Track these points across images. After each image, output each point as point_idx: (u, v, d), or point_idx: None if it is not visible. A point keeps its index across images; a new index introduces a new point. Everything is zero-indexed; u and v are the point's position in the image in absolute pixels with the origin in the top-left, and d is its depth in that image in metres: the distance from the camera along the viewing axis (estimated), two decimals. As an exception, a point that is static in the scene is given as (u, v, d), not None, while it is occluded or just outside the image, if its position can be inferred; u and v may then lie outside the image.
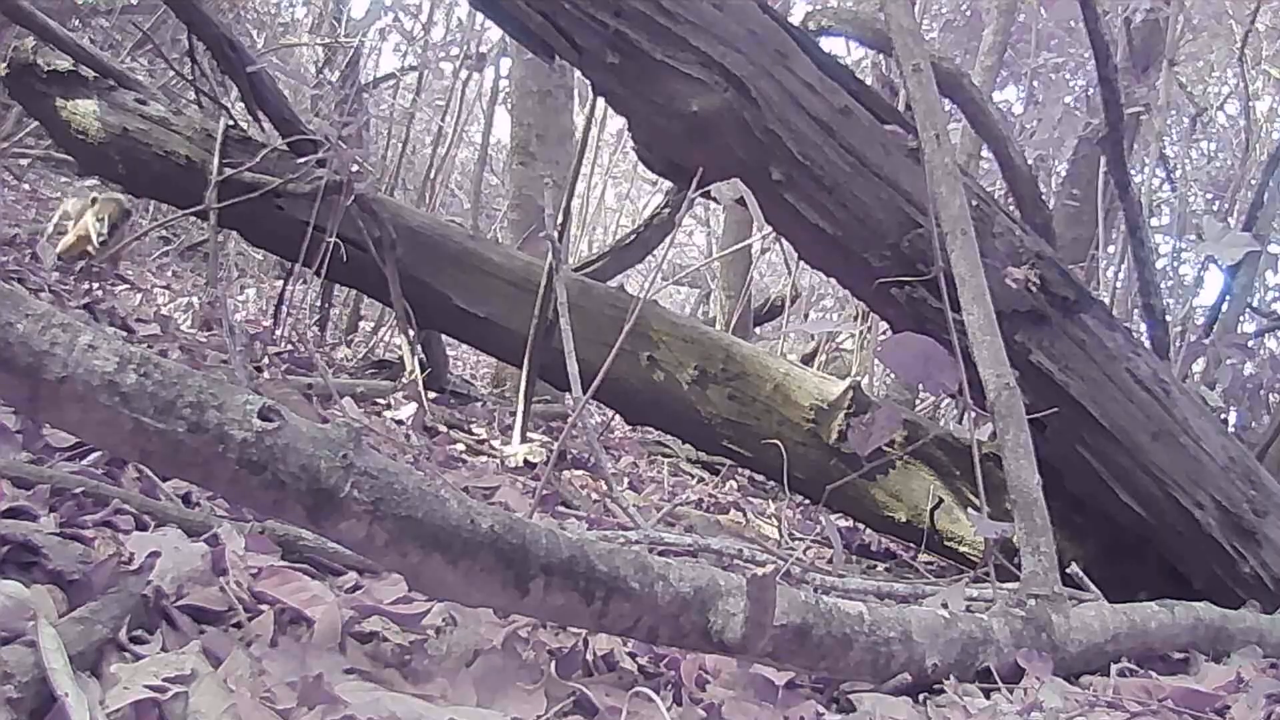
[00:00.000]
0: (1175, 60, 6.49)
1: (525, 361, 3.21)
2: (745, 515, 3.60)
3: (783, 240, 3.26)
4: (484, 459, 3.12)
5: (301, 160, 3.49)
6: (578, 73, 3.62)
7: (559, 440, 2.65)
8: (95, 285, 3.67)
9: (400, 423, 3.17)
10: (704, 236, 12.09)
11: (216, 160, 3.45)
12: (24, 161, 6.12)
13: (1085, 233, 6.53)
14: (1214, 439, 2.74)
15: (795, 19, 4.49)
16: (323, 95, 7.58)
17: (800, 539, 3.19)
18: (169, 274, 5.69)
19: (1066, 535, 2.72)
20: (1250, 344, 4.78)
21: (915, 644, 1.65)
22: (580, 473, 3.30)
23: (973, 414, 2.52)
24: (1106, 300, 4.99)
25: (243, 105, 4.03)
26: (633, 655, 1.59)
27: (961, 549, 3.13)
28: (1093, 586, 2.33)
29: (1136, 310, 5.66)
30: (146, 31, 5.82)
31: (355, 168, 3.49)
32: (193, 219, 4.15)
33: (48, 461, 1.67)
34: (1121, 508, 2.72)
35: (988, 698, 1.67)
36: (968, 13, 8.72)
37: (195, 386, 1.15)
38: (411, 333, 3.52)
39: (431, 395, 3.63)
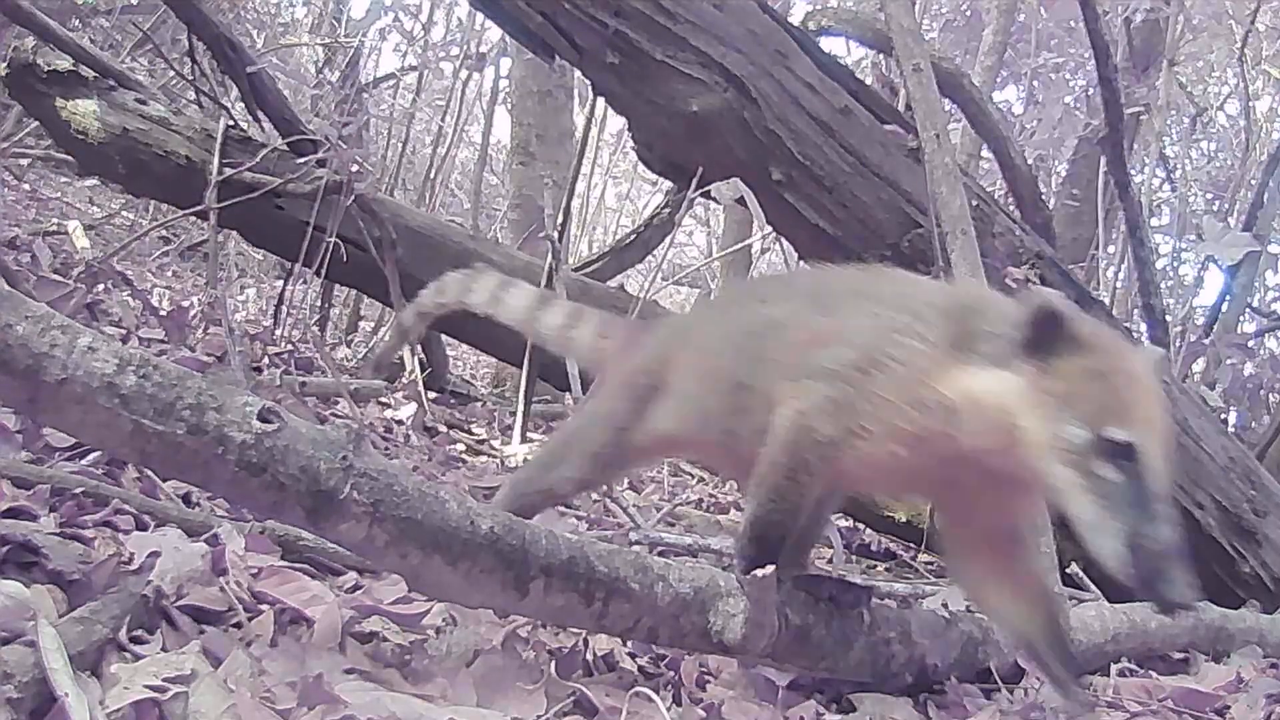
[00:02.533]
0: (1175, 60, 6.49)
1: (525, 361, 3.21)
2: (745, 515, 3.59)
3: (783, 240, 3.26)
4: (484, 459, 3.12)
5: (301, 160, 3.49)
6: (578, 73, 3.62)
7: (559, 440, 2.64)
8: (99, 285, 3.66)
9: (400, 423, 3.17)
10: (704, 236, 12.09)
11: (216, 160, 3.44)
12: (24, 161, 6.12)
13: (1085, 233, 6.52)
14: (1214, 439, 2.74)
15: (795, 19, 4.49)
16: (323, 95, 7.57)
17: (800, 539, 3.18)
18: (169, 274, 5.69)
19: (1066, 535, 2.71)
20: (1250, 344, 4.78)
21: (915, 644, 1.65)
22: (580, 473, 3.29)
23: (973, 414, 2.51)
24: (1106, 300, 4.98)
25: (243, 105, 4.03)
26: (633, 655, 1.59)
27: (961, 549, 3.12)
28: (1093, 586, 2.33)
29: (1136, 310, 5.66)
30: (146, 31, 5.81)
31: (355, 168, 3.48)
32: (193, 219, 4.15)
33: (48, 461, 1.67)
34: (1121, 507, 2.71)
35: (988, 698, 1.67)
36: (968, 13, 8.71)
37: (195, 388, 1.15)
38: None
39: (431, 395, 3.63)
